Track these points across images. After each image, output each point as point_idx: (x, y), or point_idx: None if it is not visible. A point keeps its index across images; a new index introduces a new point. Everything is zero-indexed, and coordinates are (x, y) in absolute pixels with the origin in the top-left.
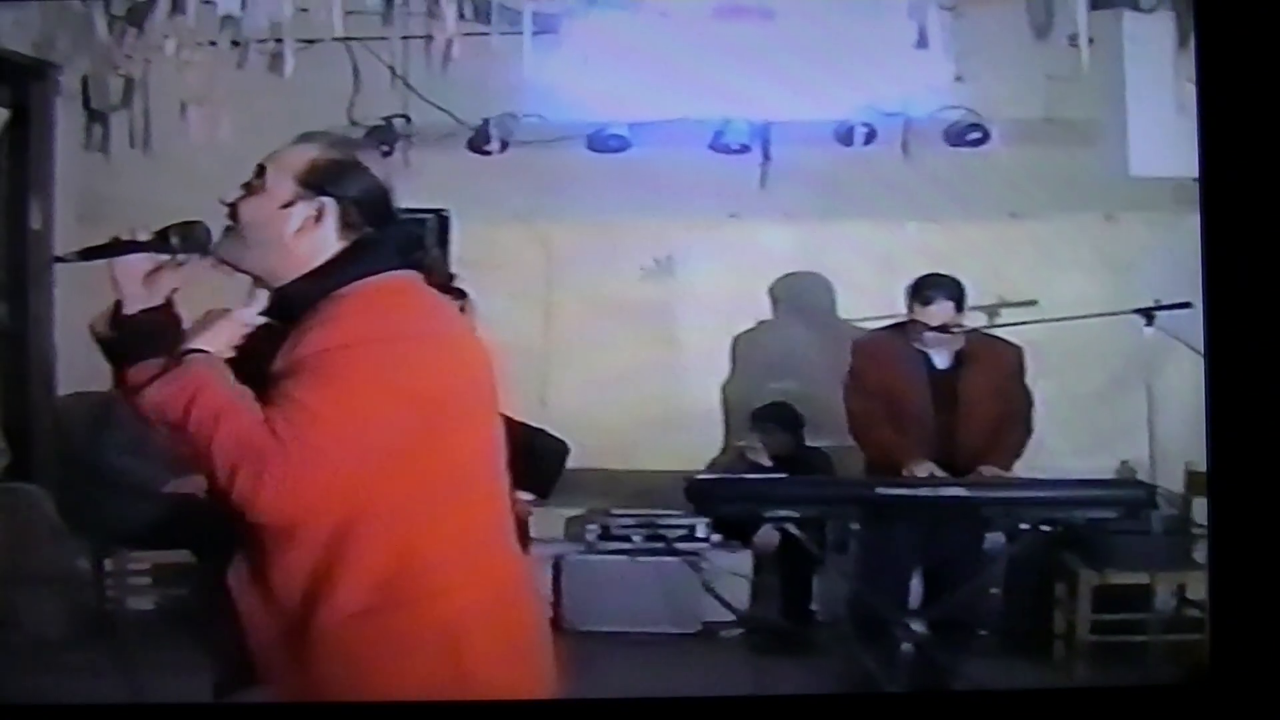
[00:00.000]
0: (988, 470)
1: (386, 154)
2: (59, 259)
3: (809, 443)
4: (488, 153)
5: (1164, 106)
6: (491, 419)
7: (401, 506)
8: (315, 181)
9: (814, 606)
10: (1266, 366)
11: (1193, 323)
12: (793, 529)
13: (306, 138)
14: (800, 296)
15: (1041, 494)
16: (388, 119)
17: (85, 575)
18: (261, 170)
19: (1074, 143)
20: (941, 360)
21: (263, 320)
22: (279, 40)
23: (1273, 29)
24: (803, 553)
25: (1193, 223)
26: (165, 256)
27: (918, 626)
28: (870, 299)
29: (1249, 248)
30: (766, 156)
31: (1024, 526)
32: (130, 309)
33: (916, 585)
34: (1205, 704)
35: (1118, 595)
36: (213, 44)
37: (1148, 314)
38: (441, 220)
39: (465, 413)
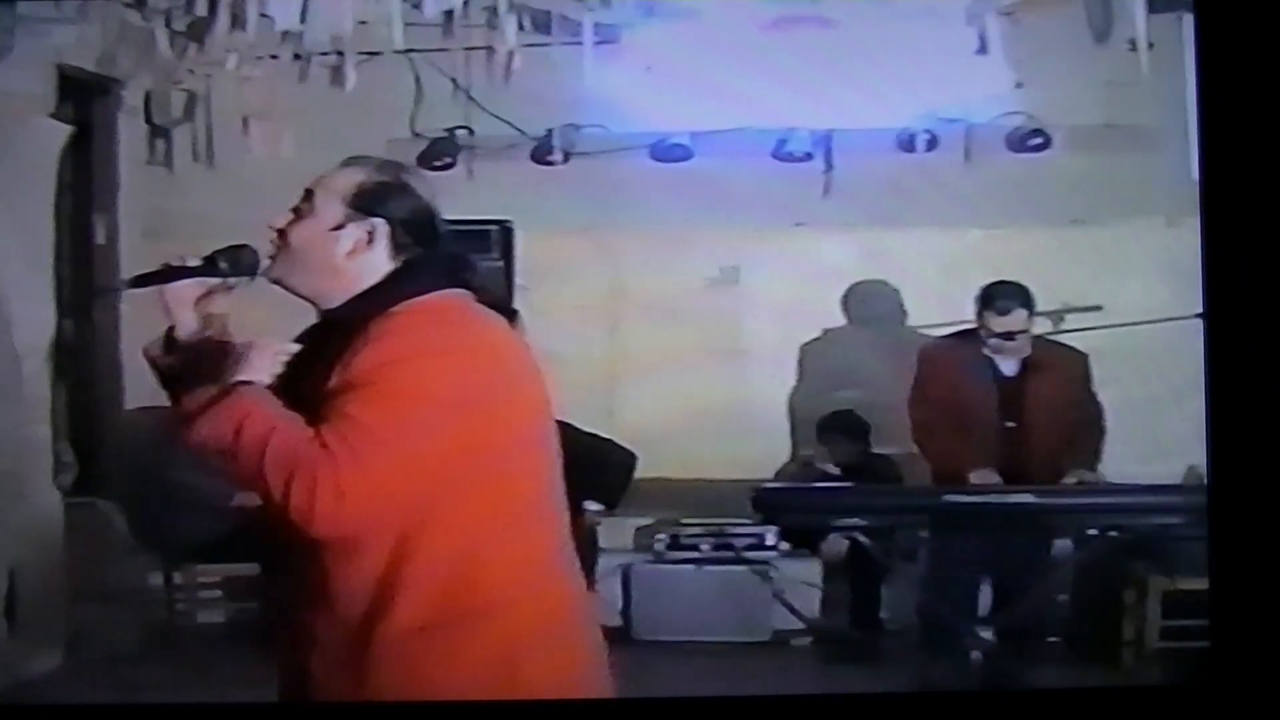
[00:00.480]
0: (1080, 476)
1: (449, 166)
2: (111, 288)
3: (876, 451)
4: (551, 163)
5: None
6: (544, 433)
7: (458, 520)
8: (364, 204)
9: (883, 615)
10: (1266, 371)
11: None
12: (861, 538)
13: (352, 161)
14: (870, 305)
15: (1108, 500)
16: (450, 130)
17: (155, 590)
18: (309, 194)
19: (1135, 148)
20: (1009, 368)
21: (297, 348)
22: (340, 54)
23: (1272, 27)
24: (871, 561)
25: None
26: (215, 281)
27: (986, 634)
28: (934, 306)
29: (1251, 254)
30: (829, 165)
31: (1092, 533)
32: (183, 335)
33: (985, 593)
34: (1205, 704)
35: (1187, 601)
36: (274, 58)
37: None
38: (505, 231)
39: (517, 426)
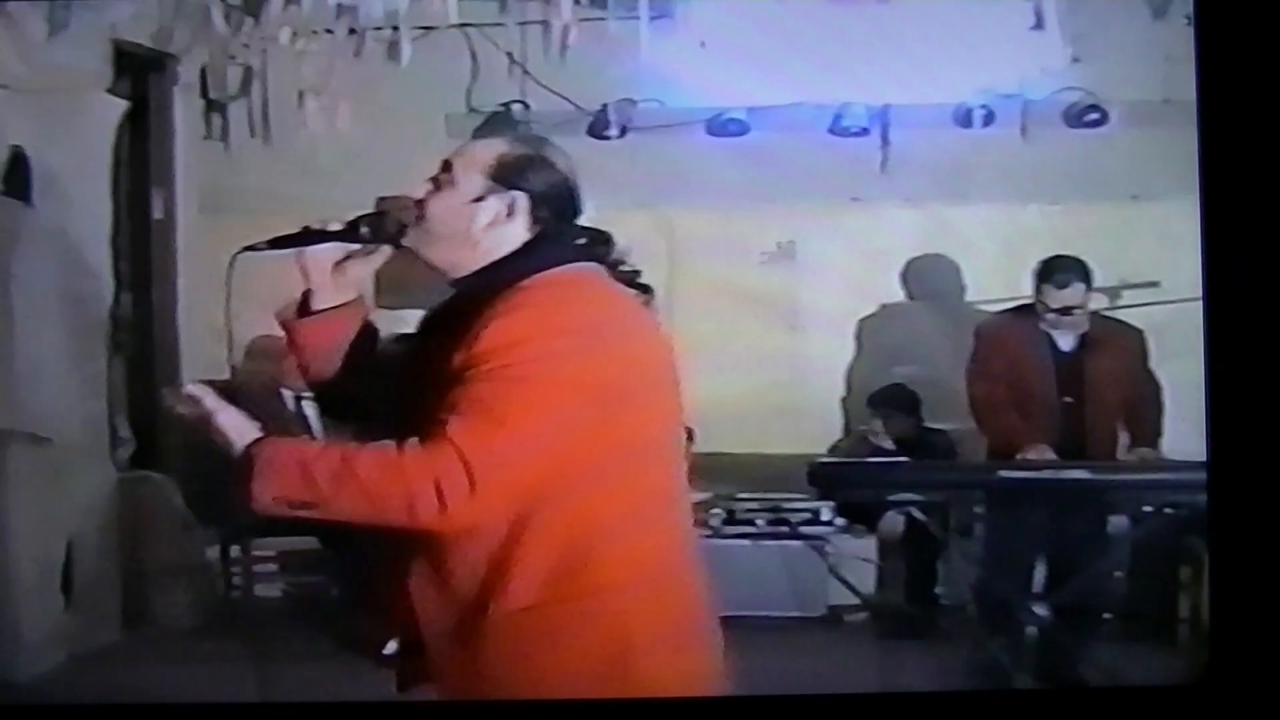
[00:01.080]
0: (1143, 453)
1: None
2: (249, 248)
3: (931, 425)
4: (607, 138)
5: None
6: (671, 413)
7: (579, 504)
8: (505, 176)
9: (939, 590)
10: (1267, 363)
11: None
12: (917, 513)
13: (489, 131)
14: (930, 280)
15: (1164, 477)
16: (506, 105)
17: (212, 564)
18: (448, 165)
19: (1193, 124)
20: (1066, 343)
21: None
22: (395, 28)
23: (1273, 25)
24: (927, 537)
25: None
26: (354, 246)
27: (1042, 611)
28: (992, 281)
29: (1250, 242)
30: (886, 140)
31: (1148, 510)
32: (320, 303)
33: (1041, 570)
34: (1205, 704)
35: None
36: (329, 33)
37: None
38: None
39: (642, 407)
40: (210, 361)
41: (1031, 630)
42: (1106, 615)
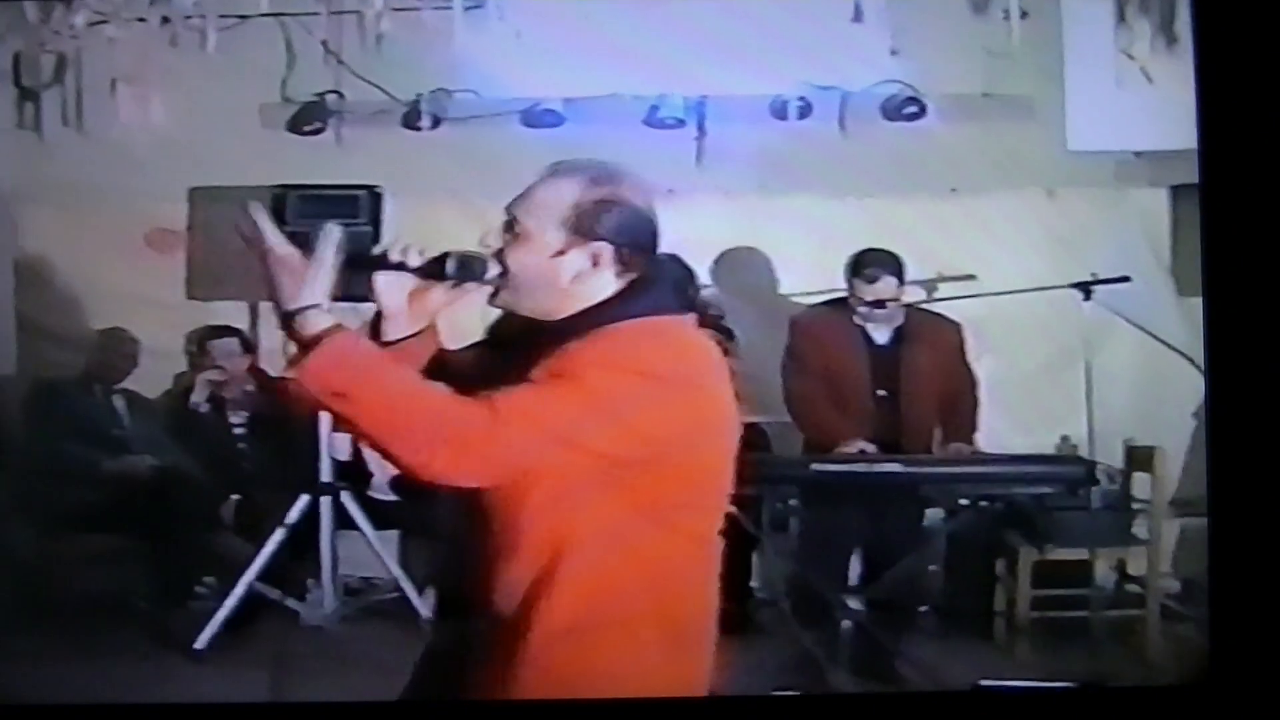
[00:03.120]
0: (958, 447)
1: (319, 131)
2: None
3: (746, 419)
4: (420, 129)
5: (1103, 82)
6: (720, 466)
7: (607, 531)
8: (585, 226)
9: (754, 585)
10: (1265, 365)
11: (1131, 298)
12: (730, 507)
13: (558, 170)
14: (741, 273)
15: (979, 470)
16: (321, 95)
17: (29, 560)
18: (515, 218)
19: (1013, 118)
20: (881, 336)
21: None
22: (205, 17)
23: (1272, 24)
24: (741, 531)
25: (1134, 198)
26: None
27: (856, 604)
28: (809, 274)
29: (1250, 241)
30: (702, 132)
31: (964, 503)
32: (395, 331)
33: (857, 564)
34: (1205, 704)
35: (1058, 572)
36: (141, 20)
37: (1085, 289)
38: (374, 197)
39: (690, 460)
40: (26, 355)
41: (847, 624)
42: (922, 609)
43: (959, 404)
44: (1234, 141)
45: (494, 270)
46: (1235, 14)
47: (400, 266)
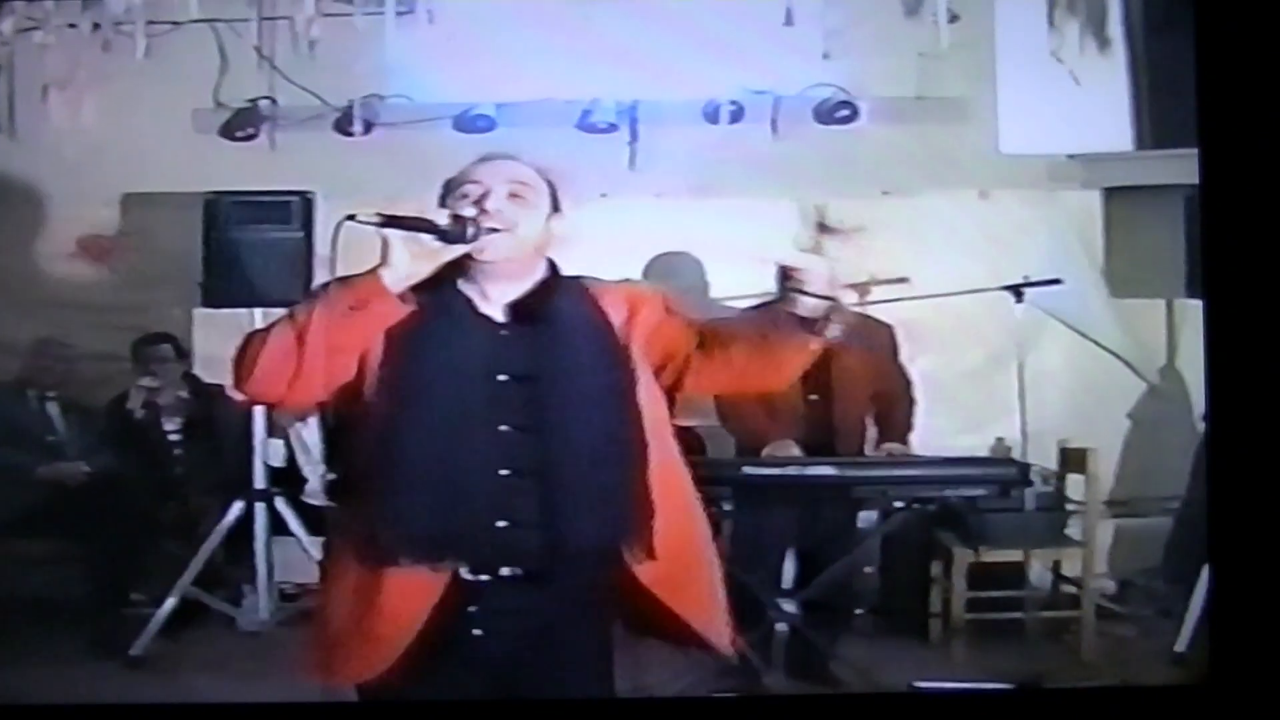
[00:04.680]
0: (891, 448)
1: (252, 137)
2: (350, 218)
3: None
4: (353, 134)
5: (1035, 84)
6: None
7: None
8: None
9: None
10: (1265, 367)
11: (1064, 299)
12: None
13: (495, 155)
14: (673, 278)
15: (911, 472)
16: (253, 101)
17: None
18: (522, 182)
19: (945, 120)
20: None
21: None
22: (136, 22)
23: (1271, 25)
24: None
25: (1066, 199)
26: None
27: (790, 607)
28: (742, 278)
29: (1247, 243)
30: (634, 136)
31: (898, 505)
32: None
33: (791, 566)
34: (1205, 704)
35: (992, 573)
36: (73, 26)
37: (1017, 291)
38: (306, 202)
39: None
40: None
41: (781, 626)
42: (858, 611)
43: (893, 405)
44: (1233, 145)
45: (472, 231)
46: (1226, 11)
47: (430, 226)
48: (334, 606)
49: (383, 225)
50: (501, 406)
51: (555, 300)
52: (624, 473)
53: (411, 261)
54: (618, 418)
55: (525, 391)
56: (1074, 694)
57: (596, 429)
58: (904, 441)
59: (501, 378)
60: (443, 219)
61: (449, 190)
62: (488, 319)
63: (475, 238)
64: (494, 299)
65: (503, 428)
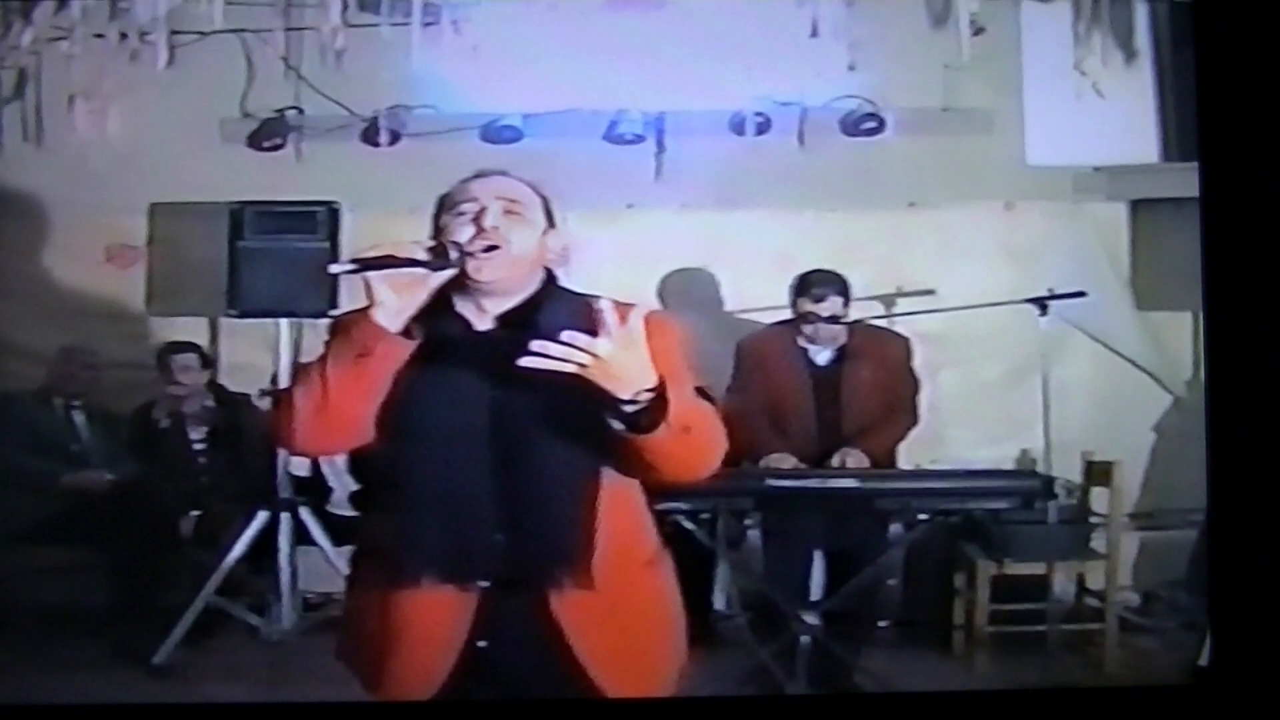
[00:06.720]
0: (852, 456)
1: (279, 147)
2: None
3: None
4: (379, 144)
5: (1061, 96)
6: None
7: None
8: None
9: (713, 599)
10: (1263, 371)
11: (1089, 312)
12: (685, 522)
13: (489, 171)
14: (688, 292)
15: (935, 485)
16: (280, 111)
17: None
18: (514, 199)
19: (972, 132)
20: (822, 358)
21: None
22: (172, 32)
23: (1271, 26)
24: (696, 546)
25: (1092, 212)
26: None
27: (812, 619)
28: (767, 289)
29: (1248, 252)
30: (661, 147)
31: (922, 517)
32: (390, 324)
33: (818, 578)
34: (1205, 704)
35: (1016, 585)
36: (99, 36)
37: (1041, 304)
38: (332, 212)
39: None
40: None
41: (805, 638)
42: (881, 622)
43: (887, 415)
44: (1234, 155)
45: (455, 254)
46: (1230, 26)
47: (409, 262)
48: (364, 619)
49: (361, 270)
50: (489, 416)
51: (544, 310)
52: (572, 494)
53: (399, 296)
54: (577, 432)
55: (504, 400)
56: (1073, 693)
57: (553, 442)
58: (882, 455)
59: (487, 388)
60: (420, 251)
61: (444, 207)
62: (481, 334)
63: (459, 261)
64: (489, 313)
65: (488, 438)
